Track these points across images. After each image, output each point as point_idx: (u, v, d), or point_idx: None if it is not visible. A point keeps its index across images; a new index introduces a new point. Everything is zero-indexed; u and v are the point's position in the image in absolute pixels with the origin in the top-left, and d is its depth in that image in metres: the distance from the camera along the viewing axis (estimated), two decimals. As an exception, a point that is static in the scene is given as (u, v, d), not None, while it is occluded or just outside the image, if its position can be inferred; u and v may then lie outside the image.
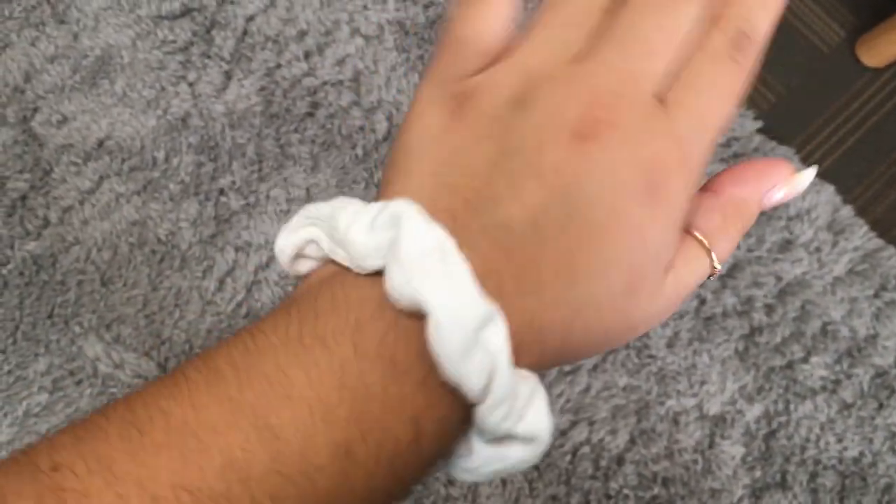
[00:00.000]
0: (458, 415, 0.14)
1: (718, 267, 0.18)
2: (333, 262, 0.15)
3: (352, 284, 0.14)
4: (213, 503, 0.12)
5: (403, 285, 0.13)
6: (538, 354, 0.15)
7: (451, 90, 0.17)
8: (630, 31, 0.16)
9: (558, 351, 0.15)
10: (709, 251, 0.17)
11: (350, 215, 0.14)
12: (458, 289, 0.13)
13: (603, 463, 0.76)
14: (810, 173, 0.19)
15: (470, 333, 0.13)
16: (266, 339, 0.14)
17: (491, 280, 0.14)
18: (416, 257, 0.13)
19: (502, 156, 0.15)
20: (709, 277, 0.18)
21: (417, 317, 0.13)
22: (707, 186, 0.18)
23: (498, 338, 0.13)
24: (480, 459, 0.15)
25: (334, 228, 0.14)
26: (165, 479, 0.12)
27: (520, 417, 0.14)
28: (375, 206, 0.14)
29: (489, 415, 0.14)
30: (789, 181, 0.18)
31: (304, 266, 0.16)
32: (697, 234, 0.17)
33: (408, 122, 0.17)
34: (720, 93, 0.16)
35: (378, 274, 0.14)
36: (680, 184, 0.16)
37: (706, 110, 0.16)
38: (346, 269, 0.15)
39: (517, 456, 0.15)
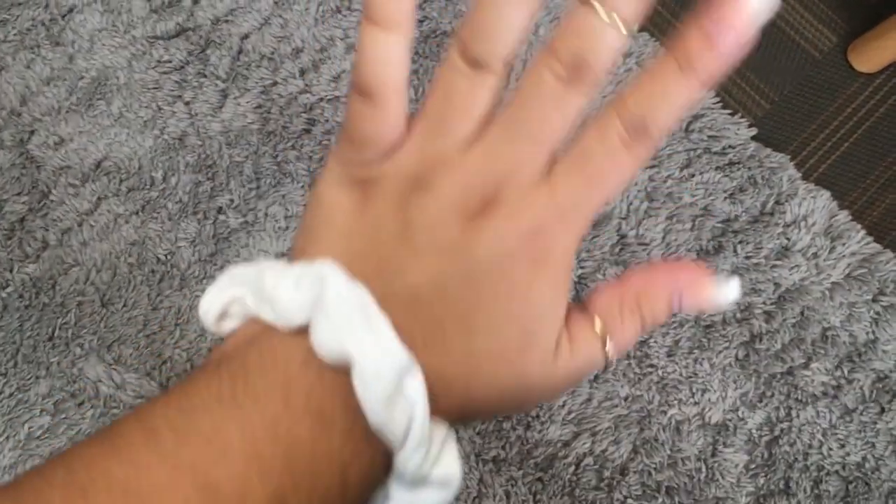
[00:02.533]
0: (380, 462, 0.16)
1: (610, 356, 0.18)
2: (258, 320, 0.16)
3: (279, 341, 0.16)
4: None
5: (329, 339, 0.14)
6: (445, 405, 0.16)
7: (358, 175, 0.18)
8: (515, 122, 0.17)
9: (462, 403, 0.17)
10: (603, 339, 0.18)
11: (276, 274, 0.16)
12: (380, 341, 0.14)
13: (606, 473, 0.76)
14: (734, 286, 0.18)
15: (392, 381, 0.14)
16: (200, 399, 0.14)
17: (402, 337, 0.15)
18: (341, 312, 0.14)
19: (406, 231, 0.17)
20: (605, 369, 0.18)
21: (343, 370, 0.15)
22: (619, 277, 0.19)
23: (416, 386, 0.15)
24: None
25: (261, 288, 0.16)
26: None
27: (435, 462, 0.16)
28: (299, 267, 0.16)
29: (408, 459, 0.15)
30: (701, 288, 0.18)
31: (229, 325, 0.17)
32: (596, 317, 0.18)
33: (317, 198, 0.19)
34: (606, 180, 0.17)
35: (303, 330, 0.15)
36: (560, 249, 0.17)
37: (590, 191, 0.17)
38: (271, 327, 0.16)
39: (432, 499, 0.16)
